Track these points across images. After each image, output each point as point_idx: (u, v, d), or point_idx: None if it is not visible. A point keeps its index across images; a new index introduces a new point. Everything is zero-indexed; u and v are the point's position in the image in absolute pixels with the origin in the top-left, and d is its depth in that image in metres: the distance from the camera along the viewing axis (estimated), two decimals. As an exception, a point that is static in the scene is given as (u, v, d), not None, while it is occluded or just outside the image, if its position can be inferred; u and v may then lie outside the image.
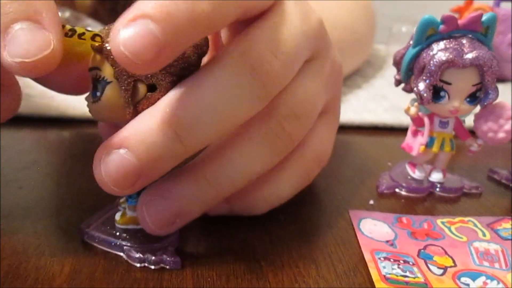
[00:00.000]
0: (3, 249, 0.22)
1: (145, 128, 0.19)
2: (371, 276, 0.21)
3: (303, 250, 0.23)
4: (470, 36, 0.27)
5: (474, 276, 0.22)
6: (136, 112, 0.20)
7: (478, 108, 0.28)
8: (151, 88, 0.20)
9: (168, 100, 0.19)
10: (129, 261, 0.21)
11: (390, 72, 0.62)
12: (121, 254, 0.22)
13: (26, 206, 0.26)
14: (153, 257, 0.21)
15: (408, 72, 0.28)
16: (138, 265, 0.21)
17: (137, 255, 0.21)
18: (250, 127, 0.21)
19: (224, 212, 0.24)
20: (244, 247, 0.23)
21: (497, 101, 0.28)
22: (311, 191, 0.29)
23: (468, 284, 0.21)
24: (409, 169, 0.30)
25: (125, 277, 0.20)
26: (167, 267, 0.21)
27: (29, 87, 0.47)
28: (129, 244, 0.22)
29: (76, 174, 0.30)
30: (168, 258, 0.21)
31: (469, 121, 0.29)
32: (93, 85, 0.20)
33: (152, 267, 0.21)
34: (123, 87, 0.19)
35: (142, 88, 0.20)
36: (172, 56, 0.18)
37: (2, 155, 0.32)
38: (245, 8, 0.20)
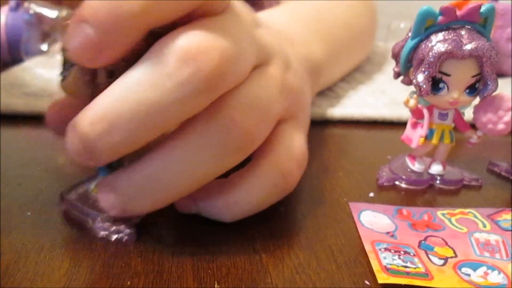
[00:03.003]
0: (2, 244, 0.22)
1: None
2: (372, 267, 0.21)
3: (303, 241, 0.23)
4: (469, 27, 0.27)
5: (475, 266, 0.22)
6: (95, 95, 0.21)
7: (477, 100, 0.28)
8: (110, 73, 0.21)
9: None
10: (94, 229, 0.22)
11: (389, 68, 0.63)
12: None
13: (25, 202, 0.26)
14: (113, 228, 0.22)
15: (407, 64, 0.28)
16: (101, 233, 0.22)
17: (100, 225, 0.22)
18: (197, 122, 0.20)
19: (192, 211, 0.23)
20: (244, 239, 0.23)
21: (497, 92, 0.28)
22: (311, 183, 0.29)
23: (469, 274, 0.21)
24: (409, 161, 0.30)
25: (125, 270, 0.20)
26: (125, 237, 0.22)
27: (27, 85, 0.47)
28: (95, 213, 0.22)
29: (74, 170, 0.30)
30: (126, 229, 0.22)
31: (468, 113, 0.29)
32: (62, 65, 0.23)
33: (113, 237, 0.22)
34: (83, 73, 0.21)
35: (101, 74, 0.21)
36: (116, 51, 0.19)
37: (1, 152, 0.32)
38: (184, 9, 0.20)
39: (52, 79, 0.49)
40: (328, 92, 0.47)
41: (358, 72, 0.57)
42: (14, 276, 0.20)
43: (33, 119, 0.39)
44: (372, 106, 0.44)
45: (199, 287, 0.20)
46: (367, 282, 0.20)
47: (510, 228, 0.25)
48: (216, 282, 0.20)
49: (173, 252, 0.22)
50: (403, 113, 0.41)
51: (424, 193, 0.29)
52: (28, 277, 0.20)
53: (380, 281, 0.20)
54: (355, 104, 0.44)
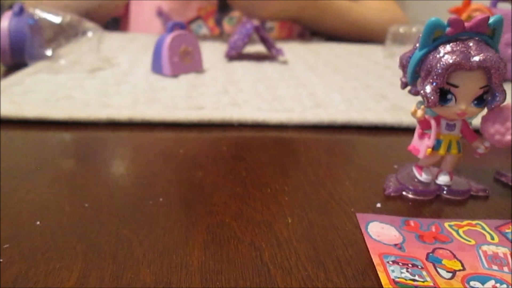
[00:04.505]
0: (12, 255, 0.22)
1: None
2: (380, 280, 0.21)
3: (311, 253, 0.23)
4: (477, 38, 0.27)
5: (483, 280, 0.22)
6: None
7: (485, 110, 0.28)
8: None
9: None
10: None
11: (389, 73, 0.63)
12: None
13: (33, 210, 0.26)
14: None
15: (415, 74, 0.28)
16: None
17: None
18: None
19: None
20: (252, 250, 0.23)
21: (505, 103, 0.27)
22: (318, 193, 0.29)
23: (477, 288, 0.21)
24: (416, 171, 0.30)
25: (134, 281, 0.20)
26: None
27: (34, 91, 0.47)
28: None
29: (82, 177, 0.30)
30: None
31: (476, 122, 0.29)
32: None
33: None
34: None
35: None
36: None
37: (8, 159, 0.32)
38: None
39: (58, 83, 0.49)
40: (330, 97, 0.47)
41: (357, 78, 0.57)
42: (23, 287, 0.20)
43: (40, 124, 0.39)
44: (373, 111, 0.44)
45: (208, 299, 0.20)
46: (375, 296, 0.20)
47: (518, 240, 0.25)
48: (224, 295, 0.20)
49: (181, 264, 0.22)
50: (404, 118, 0.42)
51: (431, 204, 0.29)
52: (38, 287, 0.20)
53: (388, 294, 0.20)
54: (356, 108, 0.45)
